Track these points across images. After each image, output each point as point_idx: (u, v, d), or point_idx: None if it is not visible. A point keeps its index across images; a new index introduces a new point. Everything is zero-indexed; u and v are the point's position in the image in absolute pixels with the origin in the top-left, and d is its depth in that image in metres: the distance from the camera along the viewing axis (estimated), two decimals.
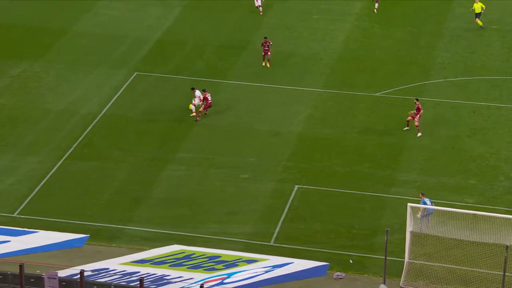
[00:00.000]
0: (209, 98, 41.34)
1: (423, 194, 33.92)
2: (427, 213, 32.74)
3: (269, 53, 45.55)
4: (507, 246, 30.22)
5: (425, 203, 32.79)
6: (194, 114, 41.25)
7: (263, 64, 45.54)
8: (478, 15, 48.04)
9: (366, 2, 53.57)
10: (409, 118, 39.87)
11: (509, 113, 42.02)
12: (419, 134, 39.63)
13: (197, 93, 41.61)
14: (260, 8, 50.77)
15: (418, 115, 39.57)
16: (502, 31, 49.60)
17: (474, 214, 31.95)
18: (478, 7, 47.74)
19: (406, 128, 39.82)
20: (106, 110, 42.77)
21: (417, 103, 39.83)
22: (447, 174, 37.50)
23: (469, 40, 48.85)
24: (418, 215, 32.50)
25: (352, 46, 48.70)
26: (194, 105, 41.36)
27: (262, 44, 45.93)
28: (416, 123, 39.61)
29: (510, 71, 45.69)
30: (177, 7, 53.41)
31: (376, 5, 51.40)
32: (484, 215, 31.78)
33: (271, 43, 45.82)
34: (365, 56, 47.63)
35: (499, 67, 45.88)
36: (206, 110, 41.43)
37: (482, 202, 35.57)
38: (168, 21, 51.78)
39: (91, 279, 25.35)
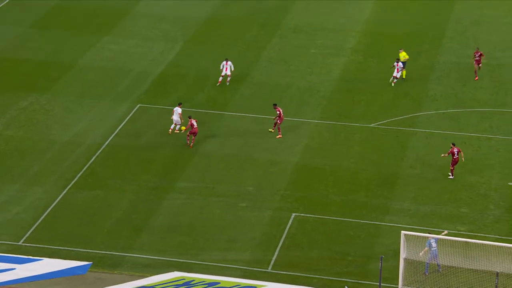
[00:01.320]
0: (195, 124, 41.54)
1: (430, 236, 32.74)
2: (434, 255, 32.11)
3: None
4: (497, 273, 30.06)
5: (430, 244, 32.25)
6: (177, 131, 42.39)
7: None
8: (403, 64, 47.37)
9: (361, 37, 53.87)
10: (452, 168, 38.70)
11: (498, 144, 42.05)
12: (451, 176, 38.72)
13: (178, 110, 42.55)
14: (229, 78, 46.39)
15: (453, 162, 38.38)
16: (491, 66, 49.79)
17: (466, 242, 31.84)
18: (402, 56, 47.44)
19: (450, 177, 38.62)
20: (110, 141, 42.83)
21: (453, 147, 38.59)
22: (440, 203, 37.42)
23: (460, 73, 49.03)
24: (421, 254, 32.07)
25: (348, 79, 48.89)
26: (177, 125, 42.26)
27: None
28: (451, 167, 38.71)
29: (499, 103, 45.81)
30: (179, 42, 53.71)
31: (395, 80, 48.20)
32: (476, 243, 31.67)
33: None
34: (360, 89, 47.80)
35: (488, 100, 46.00)
36: (192, 136, 41.75)
37: (473, 230, 35.46)
38: (170, 55, 52.05)
39: None
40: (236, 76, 49.18)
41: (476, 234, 34.91)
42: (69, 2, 59.39)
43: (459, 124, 43.55)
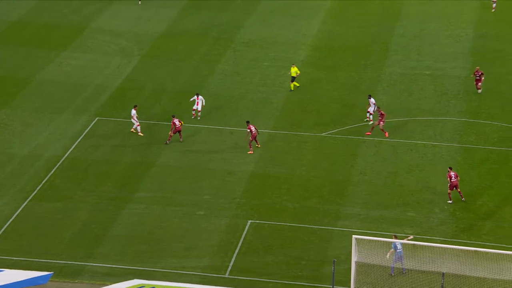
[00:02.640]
0: (177, 123, 42.45)
1: (395, 237, 33.13)
2: (399, 257, 32.35)
3: None
4: (443, 274, 30.48)
5: (395, 247, 32.49)
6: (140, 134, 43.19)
7: None
8: (293, 78, 47.87)
9: (311, 50, 54.29)
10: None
11: (442, 150, 42.72)
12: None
13: (132, 112, 43.33)
14: (199, 113, 44.88)
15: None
16: (434, 76, 50.63)
17: (413, 244, 32.23)
18: (293, 71, 47.77)
19: (449, 202, 37.69)
20: (69, 154, 42.31)
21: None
22: (388, 207, 37.82)
23: (405, 84, 49.73)
24: (387, 256, 32.34)
25: (299, 90, 49.19)
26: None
27: None
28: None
29: (442, 112, 46.54)
30: (136, 56, 53.43)
31: None
32: (423, 245, 32.08)
33: None
34: (311, 100, 48.13)
35: (432, 109, 46.72)
36: (178, 133, 42.61)
37: (420, 233, 35.90)
38: (127, 69, 51.73)
39: None
40: (193, 88, 49.12)
41: (422, 236, 35.35)
42: (28, 18, 58.66)
43: (405, 132, 44.14)
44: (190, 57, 53.38)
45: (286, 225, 36.68)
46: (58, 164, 41.32)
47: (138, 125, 43.60)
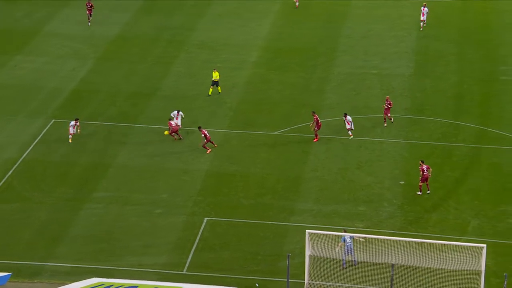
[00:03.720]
0: (173, 123, 42.39)
1: (345, 231, 33.35)
2: (349, 250, 32.68)
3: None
4: (392, 265, 30.95)
5: (345, 240, 32.71)
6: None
7: None
8: (214, 83, 47.16)
9: (262, 51, 54.46)
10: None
11: (389, 147, 43.32)
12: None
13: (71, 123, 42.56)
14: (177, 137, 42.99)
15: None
16: (380, 75, 51.30)
17: (364, 237, 32.65)
18: (215, 76, 47.42)
19: (418, 193, 37.88)
20: (26, 156, 41.61)
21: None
22: (340, 202, 38.21)
23: (353, 83, 50.28)
24: (337, 249, 32.63)
25: (252, 91, 49.32)
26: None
27: None
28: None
29: None
30: (90, 59, 52.82)
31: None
32: (373, 238, 32.53)
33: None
34: (263, 99, 48.30)
35: (379, 107, 47.25)
36: (173, 134, 42.38)
37: (370, 226, 36.38)
38: (82, 72, 51.10)
39: None
40: (146, 90, 48.82)
41: (372, 229, 35.82)
42: None
43: (354, 129, 44.57)
44: (144, 59, 53.01)
45: (242, 221, 36.76)
46: (15, 166, 40.60)
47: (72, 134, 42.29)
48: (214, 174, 40.50)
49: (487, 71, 51.68)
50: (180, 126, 43.31)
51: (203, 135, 41.65)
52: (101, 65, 52.14)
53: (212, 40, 55.86)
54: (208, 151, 41.58)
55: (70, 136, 42.39)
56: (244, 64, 52.61)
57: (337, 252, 32.44)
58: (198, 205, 37.92)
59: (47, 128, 44.40)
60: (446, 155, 42.36)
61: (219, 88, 47.96)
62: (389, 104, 44.06)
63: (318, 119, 42.79)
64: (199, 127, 42.18)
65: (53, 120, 45.25)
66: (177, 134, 42.71)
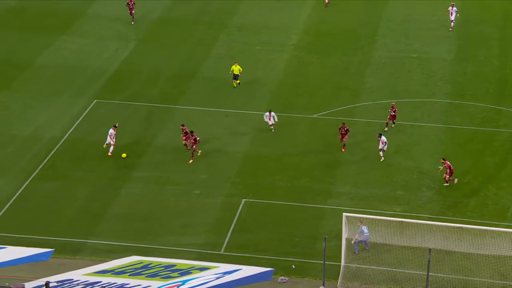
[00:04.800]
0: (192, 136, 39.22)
1: (361, 222, 32.94)
2: (364, 239, 32.53)
3: None
4: (430, 249, 30.66)
5: (362, 231, 32.58)
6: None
7: None
8: (236, 76, 45.69)
9: (302, 35, 54.10)
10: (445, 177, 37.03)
11: (429, 131, 42.77)
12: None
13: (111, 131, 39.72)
14: (272, 128, 41.89)
15: (449, 173, 36.96)
16: (421, 59, 50.56)
17: (401, 221, 32.39)
18: (236, 69, 46.00)
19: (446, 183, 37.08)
20: (68, 135, 42.15)
21: (446, 163, 36.97)
22: (377, 186, 37.90)
23: (393, 67, 49.67)
24: (353, 241, 32.48)
25: (291, 73, 49.09)
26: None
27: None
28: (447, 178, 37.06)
29: (429, 94, 46.54)
30: (133, 41, 53.12)
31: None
32: (411, 222, 32.26)
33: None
34: (303, 82, 48.04)
35: (419, 91, 46.72)
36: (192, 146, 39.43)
37: (408, 210, 36.03)
38: (124, 53, 51.44)
39: None
40: (187, 72, 48.98)
41: (410, 214, 35.48)
42: (24, 3, 58.17)
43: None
44: (184, 42, 53.11)
45: (279, 203, 36.74)
46: (58, 145, 41.18)
47: (113, 145, 39.59)
48: (252, 156, 40.50)
49: None
50: (274, 123, 41.26)
51: (195, 139, 38.91)
52: (143, 47, 52.41)
53: (252, 23, 55.67)
54: (191, 161, 39.02)
55: (111, 149, 39.43)
56: (284, 47, 52.33)
57: (353, 244, 32.20)
58: (236, 186, 38.00)
59: (89, 108, 44.89)
60: (487, 140, 41.66)
61: (237, 81, 46.24)
62: (395, 111, 41.83)
63: (348, 128, 40.08)
64: (191, 131, 39.45)
65: (96, 100, 45.72)
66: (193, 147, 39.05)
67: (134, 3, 55.20)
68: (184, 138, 40.13)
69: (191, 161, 39.32)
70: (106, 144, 39.92)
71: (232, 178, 38.60)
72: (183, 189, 37.71)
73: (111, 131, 39.90)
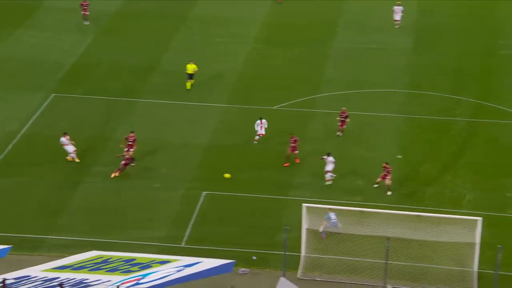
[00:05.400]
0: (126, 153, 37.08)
1: (330, 209, 32.97)
2: (332, 226, 32.65)
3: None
4: (388, 238, 30.96)
5: (329, 218, 32.71)
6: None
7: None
8: (191, 76, 44.40)
9: (262, 26, 54.06)
10: (379, 179, 35.94)
11: (388, 121, 43.14)
12: (389, 192, 35.75)
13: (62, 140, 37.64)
14: (261, 136, 39.81)
15: (388, 177, 35.77)
16: (380, 50, 50.92)
17: (361, 211, 32.65)
18: (191, 68, 45.02)
19: (376, 185, 36.16)
20: (26, 130, 41.55)
21: (387, 166, 35.71)
22: (338, 177, 38.09)
23: (352, 58, 49.94)
24: (321, 229, 32.64)
25: (251, 66, 49.05)
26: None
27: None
28: (387, 182, 35.77)
29: (388, 84, 46.90)
30: (91, 34, 52.52)
31: None
32: (370, 212, 32.56)
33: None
34: (263, 74, 48.04)
35: (378, 82, 47.05)
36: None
37: (367, 200, 36.34)
38: (83, 46, 50.85)
39: (14, 286, 24.47)
40: (147, 65, 48.59)
41: (370, 203, 35.79)
42: None
43: (353, 104, 44.38)
44: (144, 34, 52.69)
45: (240, 195, 36.74)
46: (16, 139, 40.55)
47: (75, 151, 38.15)
48: (213, 149, 40.42)
49: (487, 46, 51.27)
50: (263, 134, 39.53)
51: (126, 150, 36.90)
52: (102, 39, 51.85)
53: (212, 15, 55.48)
54: (113, 174, 36.69)
55: (73, 155, 37.92)
56: (244, 39, 52.26)
57: (321, 231, 32.39)
58: (196, 179, 37.89)
59: (47, 102, 44.28)
60: (444, 129, 42.19)
61: (191, 81, 44.82)
62: (346, 116, 39.97)
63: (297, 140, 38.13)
64: (129, 137, 37.71)
65: (54, 94, 45.12)
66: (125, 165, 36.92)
67: (88, 3, 54.00)
68: (127, 148, 37.79)
69: (116, 174, 36.73)
70: (70, 155, 38.24)
71: (193, 171, 38.48)
72: (143, 183, 37.47)
73: (63, 139, 38.47)
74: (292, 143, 38.51)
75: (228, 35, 52.74)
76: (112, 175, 36.33)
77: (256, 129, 40.32)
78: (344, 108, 41.10)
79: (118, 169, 36.05)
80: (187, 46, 51.28)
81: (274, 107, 44.35)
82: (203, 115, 43.39)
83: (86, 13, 53.72)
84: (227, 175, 31.28)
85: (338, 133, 40.88)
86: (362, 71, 48.42)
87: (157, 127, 42.28)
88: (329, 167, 37.17)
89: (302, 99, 45.07)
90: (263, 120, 40.30)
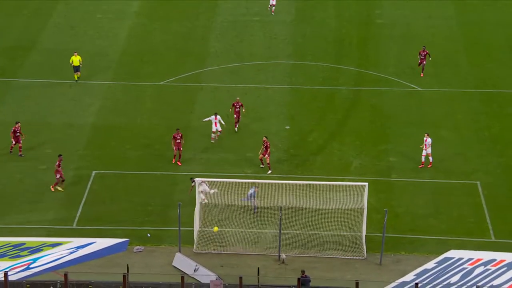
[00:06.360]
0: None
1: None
2: (248, 199, 32.65)
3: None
4: (280, 207, 31.51)
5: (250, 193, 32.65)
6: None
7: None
8: (77, 68, 42.37)
9: (143, 1, 53.05)
10: (260, 156, 35.86)
11: (274, 93, 43.64)
12: (269, 171, 35.83)
13: None
14: (219, 133, 38.28)
15: (267, 153, 35.60)
16: (263, 22, 51.26)
17: (253, 183, 32.96)
18: (76, 60, 42.23)
19: (261, 166, 36.01)
20: None
21: (266, 140, 35.79)
22: (228, 151, 38.21)
23: (236, 31, 50.01)
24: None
25: (134, 41, 48.10)
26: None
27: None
28: (268, 161, 35.77)
29: (272, 56, 47.33)
30: None
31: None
32: (262, 183, 32.95)
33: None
34: (147, 50, 47.24)
35: (262, 54, 47.37)
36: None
37: (258, 171, 36.72)
38: None
39: None
40: (24, 43, 46.58)
41: (260, 174, 36.18)
42: None
43: (239, 77, 44.56)
44: (20, 11, 50.42)
45: (131, 173, 36.20)
46: None
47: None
48: (100, 127, 39.49)
49: (364, 15, 52.65)
50: (221, 131, 37.87)
51: (59, 176, 34.42)
52: None
53: None
54: (58, 187, 34.43)
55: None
56: (126, 14, 51.12)
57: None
58: (85, 158, 36.95)
59: None
60: (328, 99, 43.18)
61: (79, 73, 42.37)
62: (267, 146, 36.03)
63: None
64: (59, 155, 34.72)
65: None
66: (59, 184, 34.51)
67: None
68: (13, 143, 35.35)
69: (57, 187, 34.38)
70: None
71: (80, 151, 37.48)
72: (28, 165, 36.13)
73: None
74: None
75: (108, 11, 51.36)
76: (53, 189, 34.31)
77: (213, 128, 37.97)
78: (238, 98, 39.90)
79: (56, 183, 34.41)
80: (66, 22, 49.55)
81: (161, 83, 43.80)
82: (87, 93, 42.23)
83: None
84: (216, 229, 30.83)
85: (236, 128, 39.10)
86: (246, 43, 48.60)
87: (39, 107, 40.75)
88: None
89: (189, 73, 44.76)
90: (218, 117, 37.98)
